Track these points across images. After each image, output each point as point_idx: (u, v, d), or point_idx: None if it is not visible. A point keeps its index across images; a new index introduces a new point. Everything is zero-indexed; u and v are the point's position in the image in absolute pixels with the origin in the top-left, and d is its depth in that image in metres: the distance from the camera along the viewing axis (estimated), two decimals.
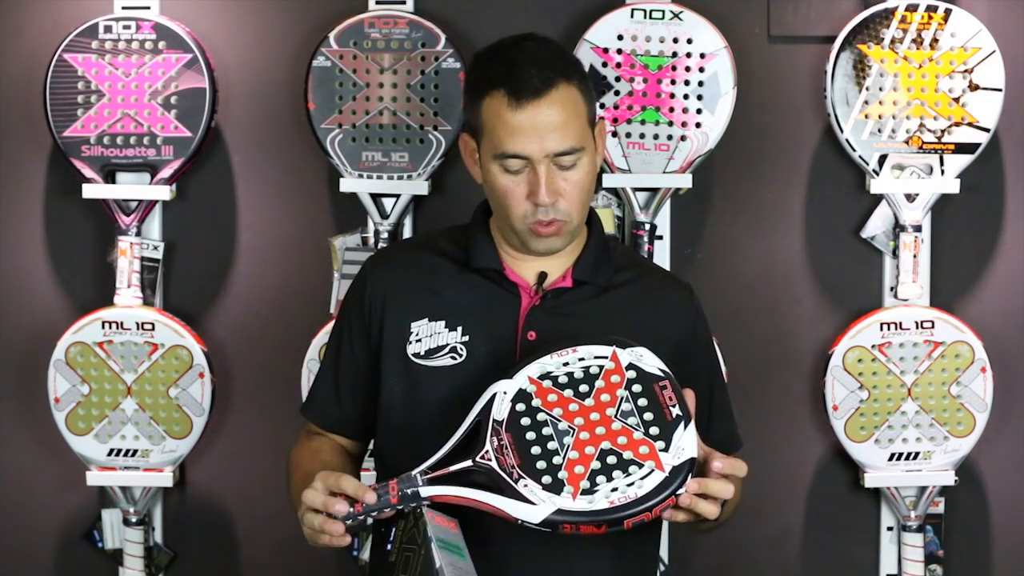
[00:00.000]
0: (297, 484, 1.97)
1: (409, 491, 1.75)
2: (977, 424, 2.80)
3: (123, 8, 2.83)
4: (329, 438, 2.07)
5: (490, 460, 1.76)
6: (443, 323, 1.97)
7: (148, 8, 2.83)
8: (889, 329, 2.78)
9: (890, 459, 2.81)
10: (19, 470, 2.97)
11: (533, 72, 1.89)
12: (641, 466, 1.72)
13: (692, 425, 1.76)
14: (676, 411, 1.76)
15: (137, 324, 2.78)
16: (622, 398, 1.78)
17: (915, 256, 2.79)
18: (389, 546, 1.82)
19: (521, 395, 1.80)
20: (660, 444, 1.74)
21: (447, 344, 1.96)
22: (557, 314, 1.96)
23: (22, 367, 2.93)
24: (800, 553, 2.95)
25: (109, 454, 2.82)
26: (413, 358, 1.96)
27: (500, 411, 1.79)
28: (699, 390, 1.99)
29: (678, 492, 1.72)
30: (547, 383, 1.80)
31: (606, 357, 1.82)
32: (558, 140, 1.89)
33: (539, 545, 1.87)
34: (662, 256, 2.85)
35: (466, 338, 1.95)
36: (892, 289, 2.85)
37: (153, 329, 2.79)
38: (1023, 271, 2.90)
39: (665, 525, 2.80)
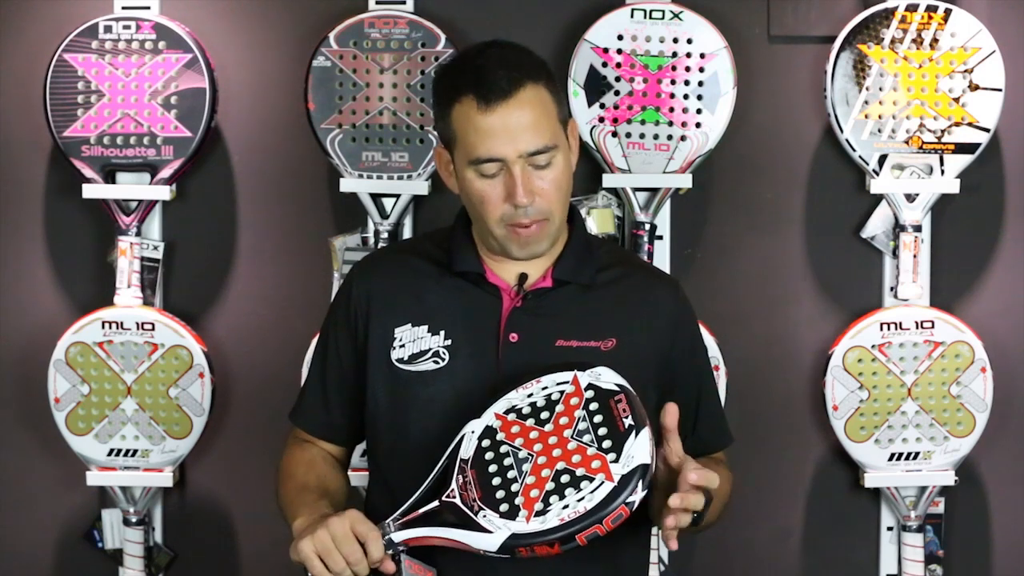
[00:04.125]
0: (291, 494, 1.98)
1: (384, 539, 1.79)
2: (977, 424, 2.79)
3: (123, 8, 2.83)
4: (319, 447, 2.08)
5: (454, 497, 1.79)
6: (426, 328, 1.97)
7: (148, 8, 2.83)
8: (889, 329, 2.78)
9: (890, 459, 2.81)
10: (19, 470, 2.97)
11: (500, 74, 1.89)
12: (592, 480, 1.74)
13: (645, 431, 1.76)
14: (628, 421, 1.77)
15: (137, 324, 2.79)
16: (579, 418, 1.80)
17: (915, 256, 2.79)
18: None
19: (487, 431, 1.83)
20: (611, 456, 1.75)
21: (430, 348, 1.96)
22: (539, 315, 1.96)
23: (22, 367, 2.93)
24: (800, 553, 2.95)
25: (109, 454, 2.82)
26: (397, 363, 1.97)
27: (467, 450, 1.82)
28: (686, 387, 2.01)
29: (628, 500, 1.72)
30: (512, 416, 1.83)
31: (567, 382, 1.83)
32: (530, 139, 1.89)
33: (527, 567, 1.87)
34: (662, 256, 2.85)
35: (448, 342, 1.96)
36: (892, 289, 2.85)
37: (153, 329, 2.79)
38: (1023, 271, 2.90)
39: None
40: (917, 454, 2.80)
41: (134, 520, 2.86)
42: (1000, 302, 2.90)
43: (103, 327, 2.79)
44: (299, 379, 2.78)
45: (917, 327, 2.78)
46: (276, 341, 2.91)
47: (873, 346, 2.78)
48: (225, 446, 2.94)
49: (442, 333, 1.96)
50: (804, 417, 2.91)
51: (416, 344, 1.97)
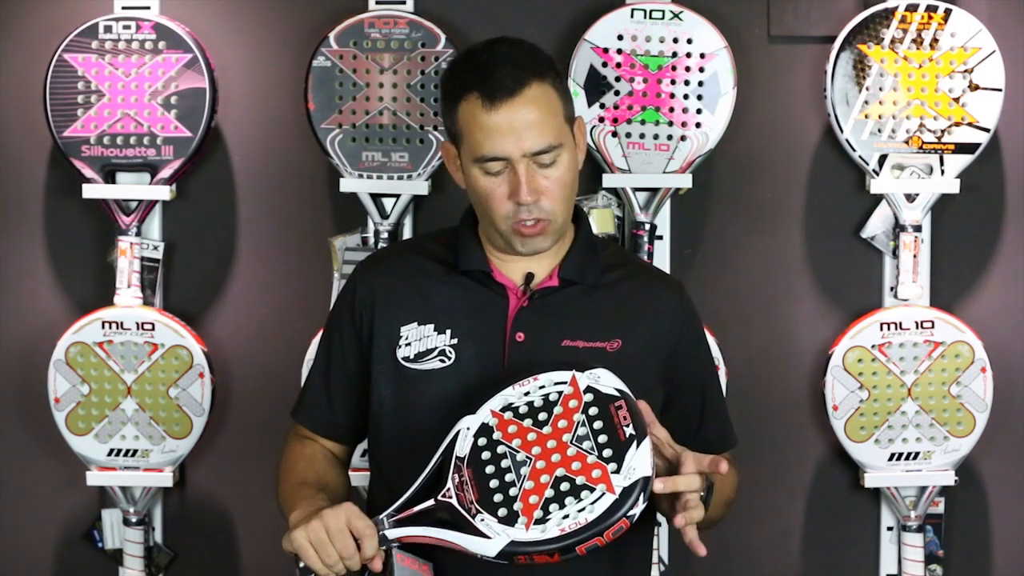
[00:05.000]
0: (289, 489, 1.98)
1: (378, 535, 1.78)
2: (977, 424, 2.80)
3: (123, 8, 2.83)
4: (320, 444, 2.08)
5: (451, 497, 1.78)
6: (432, 326, 1.97)
7: (148, 8, 2.83)
8: (889, 329, 2.78)
9: (890, 459, 2.81)
10: (19, 470, 2.97)
11: (505, 72, 1.89)
12: (593, 490, 1.73)
13: (646, 442, 1.75)
14: (629, 431, 1.76)
15: (137, 324, 2.79)
16: (578, 423, 1.78)
17: (915, 256, 2.79)
18: None
19: (483, 429, 1.81)
20: (612, 466, 1.74)
21: (436, 347, 1.96)
22: (545, 314, 1.96)
23: (22, 367, 2.93)
24: (800, 553, 2.95)
25: (109, 454, 2.82)
26: (403, 362, 1.97)
27: (463, 447, 1.81)
28: (691, 388, 2.01)
29: (630, 513, 1.71)
30: (508, 415, 1.81)
31: (565, 382, 1.82)
32: (535, 138, 1.89)
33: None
34: (662, 256, 2.85)
35: (455, 341, 1.96)
36: (892, 289, 2.85)
37: (153, 329, 2.79)
38: (1023, 271, 2.90)
39: (665, 524, 2.80)
40: (917, 454, 2.80)
41: (134, 520, 2.86)
42: (1000, 302, 2.90)
43: (103, 327, 2.79)
44: (299, 379, 2.78)
45: (917, 327, 2.78)
46: (276, 341, 2.91)
47: (873, 346, 2.78)
48: (225, 446, 2.94)
49: (448, 332, 1.96)
50: (804, 417, 2.91)
51: (422, 343, 1.97)
